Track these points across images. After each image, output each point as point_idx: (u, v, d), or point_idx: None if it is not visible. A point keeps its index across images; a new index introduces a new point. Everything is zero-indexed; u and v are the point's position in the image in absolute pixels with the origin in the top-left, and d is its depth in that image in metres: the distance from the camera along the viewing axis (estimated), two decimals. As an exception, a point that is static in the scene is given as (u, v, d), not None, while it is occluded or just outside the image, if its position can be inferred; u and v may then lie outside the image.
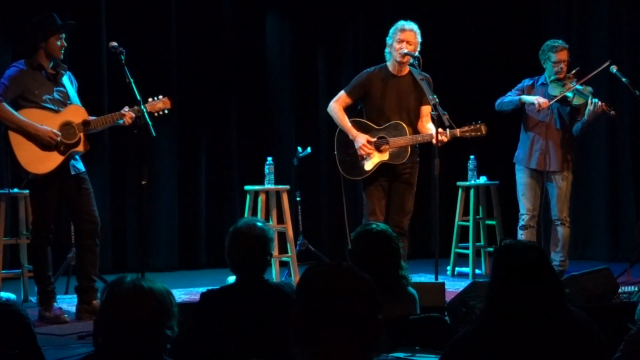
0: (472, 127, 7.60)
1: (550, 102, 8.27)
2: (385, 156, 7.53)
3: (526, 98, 8.36)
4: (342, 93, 7.72)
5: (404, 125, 7.56)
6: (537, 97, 8.31)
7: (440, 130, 7.32)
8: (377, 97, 7.55)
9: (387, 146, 7.51)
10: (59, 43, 7.01)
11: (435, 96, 7.29)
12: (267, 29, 10.64)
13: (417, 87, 7.56)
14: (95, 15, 9.58)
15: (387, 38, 7.58)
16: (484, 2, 11.32)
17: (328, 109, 7.75)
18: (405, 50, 7.50)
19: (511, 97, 8.48)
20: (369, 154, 7.47)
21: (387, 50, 7.60)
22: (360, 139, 7.49)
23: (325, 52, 10.81)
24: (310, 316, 2.33)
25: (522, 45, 10.69)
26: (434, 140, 7.39)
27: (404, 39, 7.47)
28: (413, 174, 7.66)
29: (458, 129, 7.47)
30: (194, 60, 10.21)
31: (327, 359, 2.32)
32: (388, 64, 7.63)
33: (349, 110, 7.76)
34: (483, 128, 7.62)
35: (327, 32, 10.83)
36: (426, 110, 7.60)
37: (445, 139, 7.38)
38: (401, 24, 7.53)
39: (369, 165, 7.51)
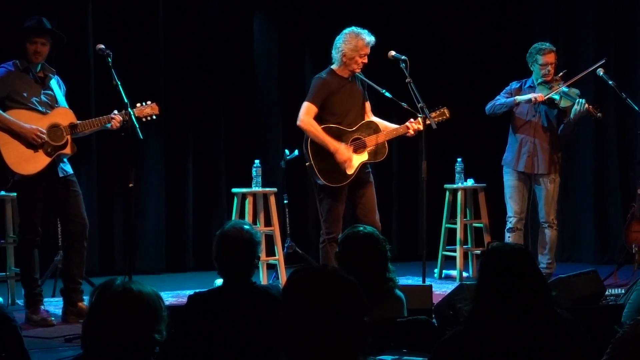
0: (438, 112, 7.70)
1: (546, 97, 8.30)
2: (364, 156, 7.52)
3: (520, 97, 8.39)
4: (308, 104, 7.48)
5: (376, 122, 7.60)
6: (531, 93, 8.35)
7: (411, 120, 7.58)
8: (335, 101, 7.49)
9: (364, 148, 7.51)
10: (33, 47, 6.99)
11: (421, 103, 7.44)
12: (255, 31, 10.64)
13: (362, 84, 7.66)
14: (82, 18, 9.57)
15: (344, 46, 7.44)
16: (470, 4, 11.34)
17: (300, 124, 7.47)
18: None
19: (504, 99, 8.50)
20: (349, 168, 7.44)
21: (339, 55, 7.48)
22: (343, 154, 7.40)
23: (313, 55, 10.80)
24: (297, 319, 2.34)
25: (509, 48, 10.72)
26: (410, 131, 7.59)
27: (367, 53, 7.49)
28: (370, 172, 7.68)
29: (427, 117, 7.58)
30: (181, 63, 10.20)
31: (314, 361, 2.32)
32: (336, 68, 7.55)
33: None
34: (446, 111, 7.75)
35: (315, 34, 10.83)
36: (368, 106, 7.73)
37: (421, 127, 7.54)
38: (365, 37, 7.43)
39: (351, 169, 7.46)
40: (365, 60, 7.49)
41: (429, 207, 8.01)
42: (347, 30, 7.52)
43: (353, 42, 7.44)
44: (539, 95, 8.31)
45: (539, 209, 8.62)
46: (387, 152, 7.64)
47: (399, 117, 7.95)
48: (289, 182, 9.67)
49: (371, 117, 7.70)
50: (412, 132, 7.60)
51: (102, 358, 2.99)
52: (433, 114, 7.66)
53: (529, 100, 8.33)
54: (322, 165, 7.42)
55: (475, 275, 9.18)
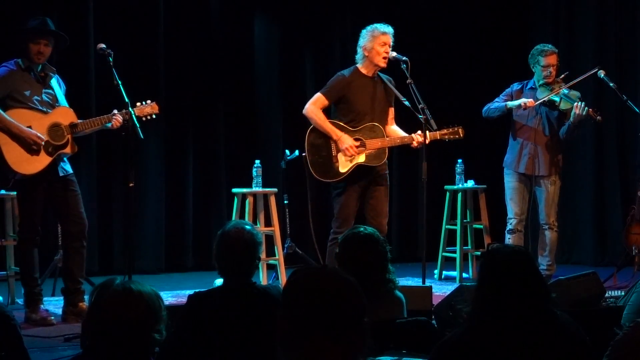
0: (451, 130, 7.65)
1: (537, 102, 8.30)
2: (361, 158, 7.48)
3: (511, 103, 8.40)
4: (319, 95, 7.55)
5: (381, 126, 7.56)
6: (522, 99, 8.36)
7: (419, 132, 7.47)
8: (353, 100, 7.48)
9: (364, 148, 7.49)
10: (36, 48, 6.99)
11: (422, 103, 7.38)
12: (256, 31, 10.64)
13: (385, 89, 7.60)
14: (83, 18, 9.57)
15: (363, 41, 7.48)
16: (472, 6, 11.33)
17: (305, 111, 7.53)
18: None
19: (497, 103, 8.51)
20: (352, 156, 7.42)
21: (361, 52, 7.52)
22: (346, 141, 7.42)
23: (313, 55, 10.81)
24: (296, 319, 2.33)
25: (510, 50, 10.72)
26: (414, 143, 7.51)
27: (386, 42, 7.48)
28: (387, 175, 7.65)
29: (437, 132, 7.55)
30: (182, 63, 10.20)
31: (313, 362, 2.32)
32: (360, 66, 7.56)
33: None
34: (461, 131, 7.69)
35: (315, 35, 10.83)
36: (392, 112, 7.70)
37: (427, 141, 7.46)
38: (381, 27, 7.47)
39: (343, 168, 7.44)
40: (387, 50, 7.46)
41: (429, 209, 8.00)
42: (364, 29, 7.55)
43: (369, 34, 7.48)
44: (528, 101, 8.31)
45: (540, 211, 8.62)
46: (386, 158, 7.55)
47: (406, 124, 7.92)
48: (289, 182, 9.66)
49: (392, 125, 7.68)
50: (416, 144, 7.51)
51: (101, 358, 2.99)
52: (445, 130, 7.62)
53: (519, 106, 8.34)
54: (315, 159, 7.45)
55: (475, 276, 9.18)
